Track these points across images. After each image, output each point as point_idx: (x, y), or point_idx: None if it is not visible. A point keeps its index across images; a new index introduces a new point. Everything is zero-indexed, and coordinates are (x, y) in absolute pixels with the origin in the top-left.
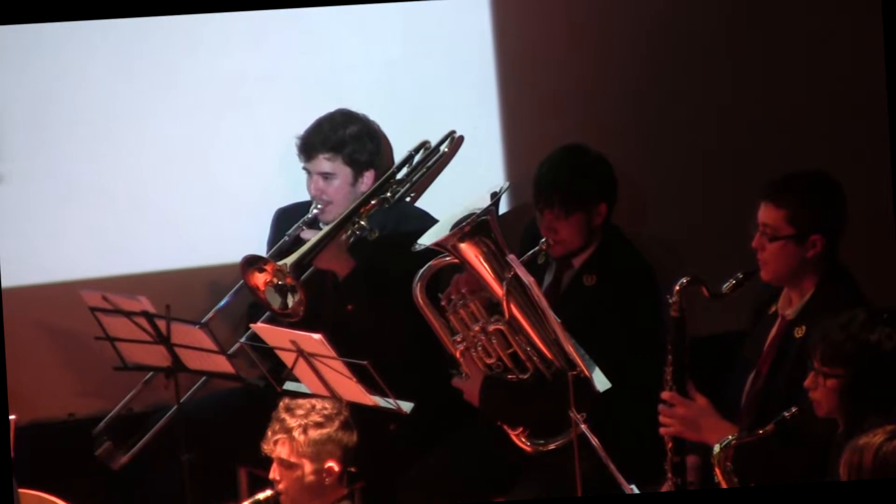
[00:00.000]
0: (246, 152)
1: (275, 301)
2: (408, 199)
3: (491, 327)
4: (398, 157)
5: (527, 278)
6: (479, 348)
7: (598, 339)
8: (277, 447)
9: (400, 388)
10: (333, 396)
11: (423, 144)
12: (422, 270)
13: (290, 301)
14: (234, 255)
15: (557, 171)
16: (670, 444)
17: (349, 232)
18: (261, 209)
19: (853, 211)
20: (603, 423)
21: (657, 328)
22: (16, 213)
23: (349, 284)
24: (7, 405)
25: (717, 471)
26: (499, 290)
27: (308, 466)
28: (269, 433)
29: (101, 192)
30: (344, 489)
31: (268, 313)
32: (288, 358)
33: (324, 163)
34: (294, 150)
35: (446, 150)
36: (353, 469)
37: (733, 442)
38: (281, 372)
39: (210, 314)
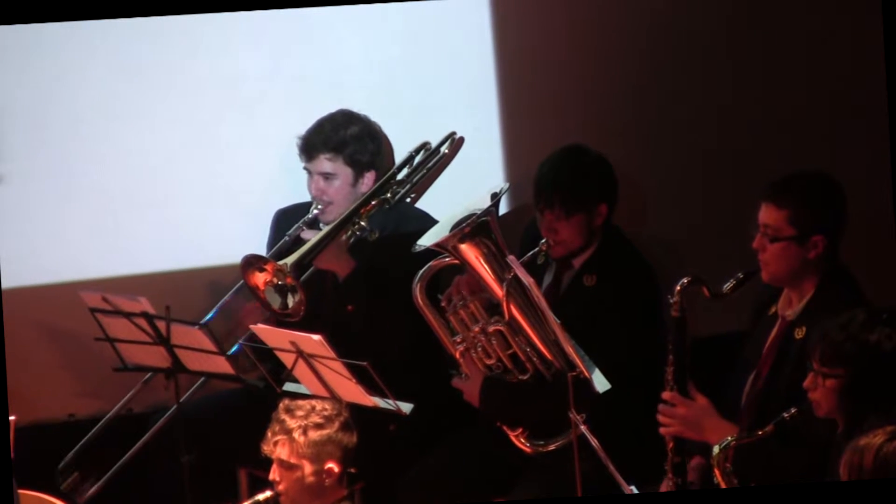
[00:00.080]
0: (246, 152)
1: (275, 301)
2: (408, 199)
3: (491, 328)
4: (399, 157)
5: (526, 279)
6: (479, 349)
7: (598, 340)
8: (277, 448)
9: (399, 388)
10: (333, 397)
11: (424, 145)
12: (422, 271)
13: (290, 301)
14: (235, 256)
15: (558, 172)
16: (671, 445)
17: (349, 232)
18: (261, 209)
19: (853, 211)
20: (603, 424)
21: (657, 329)
22: (16, 214)
23: (349, 285)
24: (7, 406)
25: (717, 472)
26: (499, 290)
27: (308, 467)
28: (269, 434)
29: (101, 193)
30: (344, 490)
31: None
32: (287, 359)
33: (325, 163)
34: (295, 151)
35: (447, 151)
36: (352, 470)
37: (732, 443)
38: (280, 373)
39: (210, 315)
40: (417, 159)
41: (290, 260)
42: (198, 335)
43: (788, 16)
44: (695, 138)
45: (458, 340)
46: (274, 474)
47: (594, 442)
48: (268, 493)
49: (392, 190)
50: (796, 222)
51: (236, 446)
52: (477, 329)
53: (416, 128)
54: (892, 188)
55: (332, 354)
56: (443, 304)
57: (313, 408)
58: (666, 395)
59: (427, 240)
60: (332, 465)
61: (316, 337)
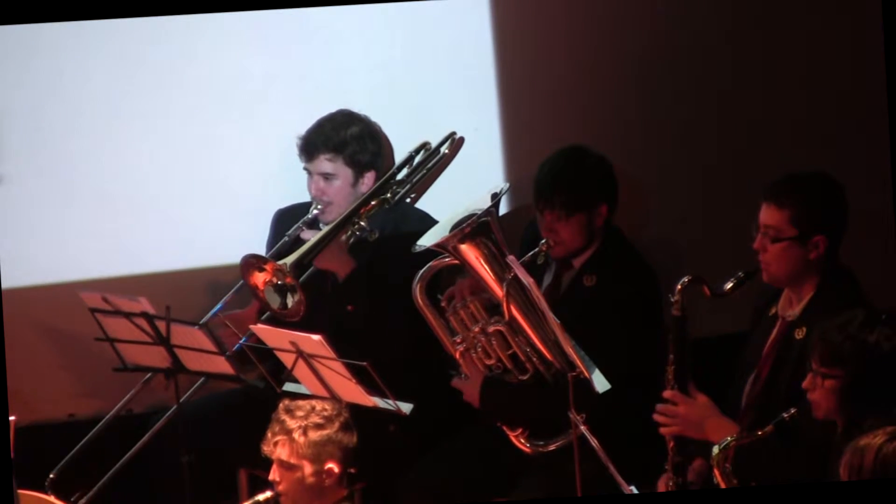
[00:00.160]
0: (246, 152)
1: (274, 301)
2: (408, 200)
3: (491, 328)
4: (399, 158)
5: (527, 279)
6: (479, 349)
7: (598, 340)
8: (277, 448)
9: (400, 388)
10: (333, 397)
11: (424, 146)
12: (422, 271)
13: (290, 301)
14: (234, 256)
15: (558, 173)
16: (672, 444)
17: (349, 232)
18: (261, 209)
19: (853, 211)
20: (603, 424)
21: (657, 329)
22: (16, 214)
23: (349, 285)
24: (7, 406)
25: (717, 472)
26: (499, 291)
27: (308, 468)
28: (269, 434)
29: (101, 193)
30: (344, 490)
31: (267, 314)
32: (287, 359)
33: (325, 163)
34: (295, 151)
35: (447, 151)
36: (353, 470)
37: (732, 443)
38: (280, 373)
39: (210, 315)
40: (417, 159)
41: (289, 260)
42: (198, 335)
43: (788, 16)
44: (695, 138)
45: (458, 340)
46: (274, 474)
47: (594, 442)
48: (268, 494)
49: (392, 190)
50: (798, 222)
51: (236, 446)
52: (477, 329)
53: (416, 128)
54: (892, 188)
55: (332, 354)
56: (443, 304)
57: (313, 408)
58: (667, 393)
59: (427, 240)
60: (332, 466)
61: (316, 337)
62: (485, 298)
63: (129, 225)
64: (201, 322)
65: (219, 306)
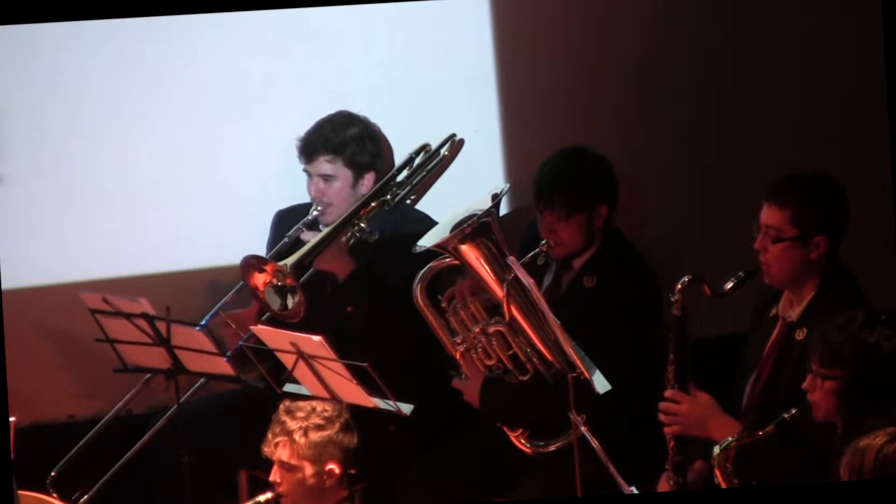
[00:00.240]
0: (246, 154)
1: (274, 302)
2: (408, 201)
3: (491, 329)
4: (399, 159)
5: (527, 280)
6: (480, 349)
7: (598, 341)
8: (278, 449)
9: (400, 389)
10: (333, 398)
11: (424, 147)
12: (422, 272)
13: (290, 302)
14: (235, 257)
15: (558, 173)
16: (672, 444)
17: (349, 234)
18: (261, 211)
19: (853, 211)
20: (603, 425)
21: (657, 329)
22: (16, 215)
23: (349, 286)
24: (7, 407)
25: (717, 471)
26: (499, 291)
27: (309, 469)
28: (270, 435)
29: (101, 194)
30: (345, 491)
31: (267, 315)
32: (288, 360)
33: (324, 164)
34: (294, 152)
35: (447, 152)
36: (353, 471)
37: (733, 443)
38: (281, 374)
39: (210, 315)
40: (417, 161)
41: (289, 261)
42: (198, 336)
43: (788, 16)
44: (695, 138)
45: (459, 341)
46: (275, 475)
47: (594, 443)
48: (268, 495)
49: (392, 191)
50: (799, 222)
51: (236, 447)
52: (477, 330)
53: (415, 129)
54: (892, 188)
55: (332, 355)
56: (443, 304)
57: (314, 409)
58: (668, 392)
59: (428, 240)
60: (332, 467)
61: (316, 338)
62: (485, 299)
63: (130, 225)
64: (201, 323)
65: (219, 307)
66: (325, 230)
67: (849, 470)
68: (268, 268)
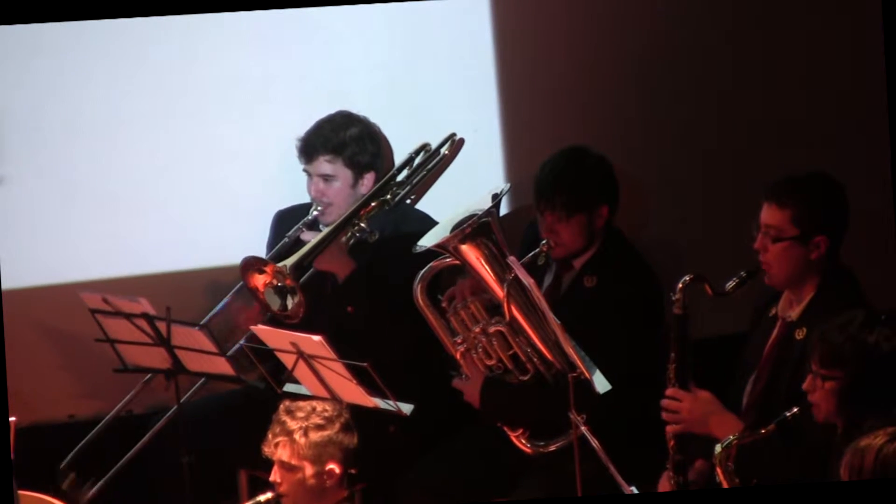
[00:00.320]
0: (246, 154)
1: (274, 303)
2: (408, 201)
3: (491, 328)
4: (399, 159)
5: (527, 280)
6: (480, 349)
7: (599, 341)
8: (278, 450)
9: (400, 389)
10: (334, 398)
11: (424, 147)
12: (422, 272)
13: (290, 303)
14: (235, 257)
15: (559, 173)
16: (672, 443)
17: (349, 234)
18: (261, 211)
19: (853, 211)
20: (603, 425)
21: (658, 330)
22: (16, 215)
23: (349, 286)
24: (7, 407)
25: (719, 470)
26: (499, 291)
27: (309, 469)
28: (270, 436)
29: (101, 194)
30: (345, 491)
31: (268, 315)
32: (288, 360)
33: (324, 165)
34: (294, 152)
35: (446, 152)
36: (353, 471)
37: (735, 442)
38: (281, 374)
39: (210, 315)
40: (417, 161)
41: (289, 262)
42: (198, 336)
43: (788, 16)
44: (695, 138)
45: (459, 341)
46: (275, 476)
47: (595, 443)
48: (269, 495)
49: (392, 191)
50: (799, 222)
51: (237, 447)
52: (478, 330)
53: (415, 129)
54: (892, 188)
55: (332, 355)
56: (443, 304)
57: (314, 409)
58: (669, 391)
59: (428, 240)
60: (333, 467)
61: (316, 338)
62: (485, 299)
63: (130, 225)
64: (201, 323)
65: (219, 307)
66: (325, 230)
67: (849, 470)
68: (267, 269)
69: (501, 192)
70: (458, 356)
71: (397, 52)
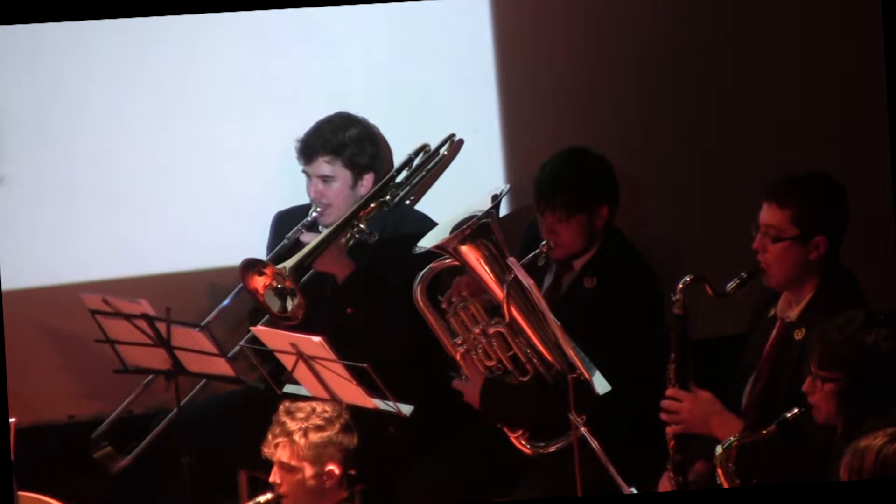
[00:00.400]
0: (246, 155)
1: (274, 304)
2: (407, 202)
3: (491, 329)
4: (398, 160)
5: (527, 281)
6: (480, 350)
7: (599, 342)
8: (278, 450)
9: (400, 390)
10: (333, 399)
11: (423, 147)
12: (422, 272)
13: (290, 304)
14: (234, 258)
15: (559, 174)
16: (672, 443)
17: (349, 235)
18: (261, 212)
19: (853, 211)
20: (603, 426)
21: (658, 330)
22: (16, 215)
23: (348, 287)
24: (7, 408)
25: (720, 471)
26: (499, 292)
27: (309, 470)
28: (270, 436)
29: (101, 195)
30: (344, 492)
31: (267, 316)
32: (288, 361)
33: (323, 166)
34: (294, 153)
35: (446, 153)
36: (353, 472)
37: (735, 442)
38: (281, 374)
39: (210, 316)
40: (417, 161)
41: (289, 263)
42: (198, 337)
43: (788, 16)
44: (695, 138)
45: (459, 342)
46: (275, 476)
47: (594, 443)
48: (269, 496)
49: (391, 192)
50: (799, 222)
51: (237, 448)
52: (477, 330)
53: (415, 129)
54: (892, 188)
55: (332, 356)
56: (443, 305)
57: (314, 410)
58: (669, 391)
59: (428, 241)
60: (332, 467)
61: (316, 339)
62: (485, 300)
63: (130, 226)
64: (202, 324)
65: (219, 308)
66: (325, 231)
67: (849, 470)
68: (267, 271)
69: (501, 192)
70: (457, 357)
71: (397, 53)
